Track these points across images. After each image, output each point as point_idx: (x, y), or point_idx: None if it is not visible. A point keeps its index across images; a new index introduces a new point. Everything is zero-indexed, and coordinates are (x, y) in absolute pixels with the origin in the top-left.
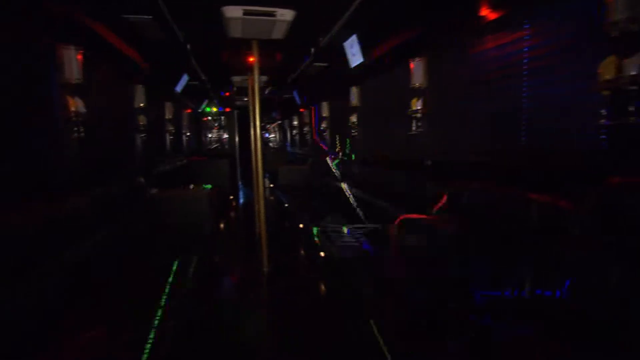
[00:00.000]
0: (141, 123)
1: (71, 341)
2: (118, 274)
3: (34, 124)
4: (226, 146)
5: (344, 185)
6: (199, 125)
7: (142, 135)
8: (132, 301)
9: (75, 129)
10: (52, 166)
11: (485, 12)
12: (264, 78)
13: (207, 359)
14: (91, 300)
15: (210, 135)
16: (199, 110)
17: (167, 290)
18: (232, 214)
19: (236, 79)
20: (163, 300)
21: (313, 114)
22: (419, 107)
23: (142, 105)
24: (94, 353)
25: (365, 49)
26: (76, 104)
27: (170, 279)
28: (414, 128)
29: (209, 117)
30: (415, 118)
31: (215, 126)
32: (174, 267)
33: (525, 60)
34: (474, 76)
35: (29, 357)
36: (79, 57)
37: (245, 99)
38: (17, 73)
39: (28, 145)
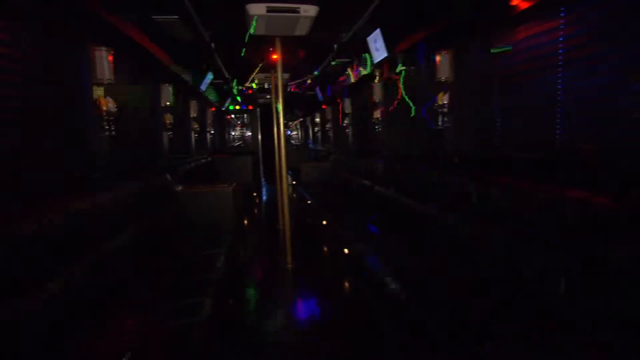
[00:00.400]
0: (167, 121)
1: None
2: (143, 269)
3: (68, 124)
4: (249, 144)
5: (367, 182)
6: (223, 123)
7: (169, 133)
8: (156, 296)
9: (107, 127)
10: (84, 164)
11: (516, 1)
12: (287, 75)
13: (234, 355)
14: (114, 296)
15: (233, 133)
16: (223, 109)
17: (191, 286)
18: (256, 210)
19: (259, 76)
20: (187, 296)
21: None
22: (445, 102)
23: (168, 103)
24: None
25: (389, 44)
26: (107, 103)
27: (195, 275)
28: (440, 123)
29: (232, 115)
30: (442, 113)
31: (239, 124)
32: (199, 263)
33: (560, 51)
34: (504, 69)
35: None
36: (110, 57)
37: (268, 97)
38: (55, 74)
39: (64, 145)
